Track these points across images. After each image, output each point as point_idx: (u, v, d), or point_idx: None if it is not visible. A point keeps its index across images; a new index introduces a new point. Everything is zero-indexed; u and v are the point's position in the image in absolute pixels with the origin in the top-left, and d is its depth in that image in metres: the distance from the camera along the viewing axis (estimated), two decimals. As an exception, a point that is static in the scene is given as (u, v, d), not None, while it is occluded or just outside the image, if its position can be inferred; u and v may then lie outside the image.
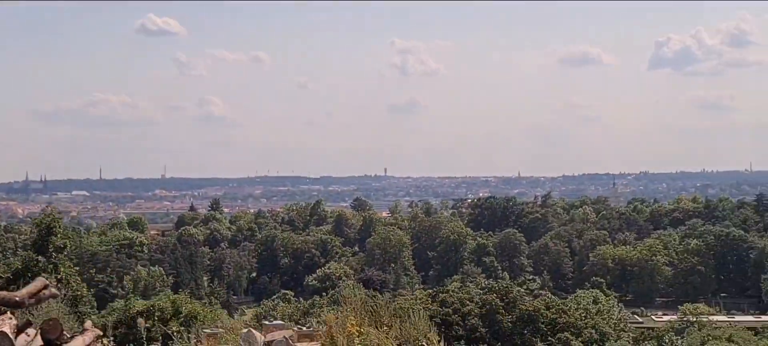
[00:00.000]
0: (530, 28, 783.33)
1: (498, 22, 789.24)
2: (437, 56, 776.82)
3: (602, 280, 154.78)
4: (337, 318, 13.07)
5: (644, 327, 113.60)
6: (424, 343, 13.32)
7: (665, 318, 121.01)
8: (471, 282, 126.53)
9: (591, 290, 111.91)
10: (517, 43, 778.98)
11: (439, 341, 13.07)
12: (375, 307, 14.39)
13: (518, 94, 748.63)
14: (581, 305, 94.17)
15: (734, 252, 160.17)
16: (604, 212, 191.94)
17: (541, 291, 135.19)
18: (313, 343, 13.31)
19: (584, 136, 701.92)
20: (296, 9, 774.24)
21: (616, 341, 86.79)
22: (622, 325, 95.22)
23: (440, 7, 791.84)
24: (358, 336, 12.53)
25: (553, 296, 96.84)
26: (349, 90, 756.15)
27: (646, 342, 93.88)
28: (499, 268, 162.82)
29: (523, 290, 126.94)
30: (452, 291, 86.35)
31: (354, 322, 12.58)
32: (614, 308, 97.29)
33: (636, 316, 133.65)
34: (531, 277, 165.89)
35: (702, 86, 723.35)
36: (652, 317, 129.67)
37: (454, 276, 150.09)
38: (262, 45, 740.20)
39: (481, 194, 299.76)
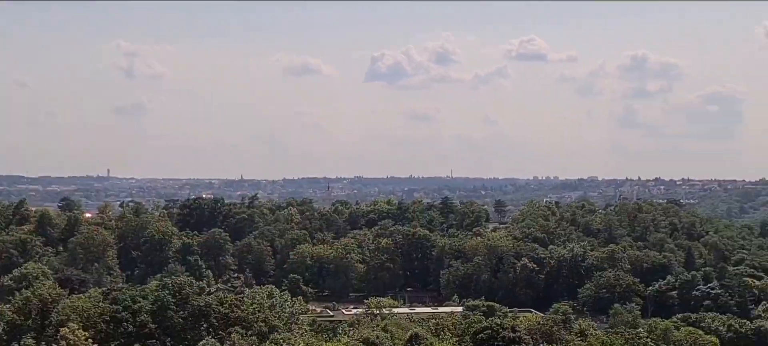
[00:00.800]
0: (256, 37, 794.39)
1: (224, 28, 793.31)
2: (164, 60, 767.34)
3: (300, 277, 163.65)
4: None
5: (329, 320, 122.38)
6: None
7: (354, 311, 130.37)
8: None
9: (267, 286, 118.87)
10: (244, 50, 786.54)
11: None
12: None
13: (244, 99, 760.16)
14: (256, 300, 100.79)
15: (420, 250, 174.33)
16: (308, 213, 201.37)
17: (243, 288, 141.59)
18: None
19: (306, 142, 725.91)
20: (16, 7, 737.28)
21: (283, 334, 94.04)
22: (293, 318, 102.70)
23: (167, 10, 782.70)
24: None
25: (229, 293, 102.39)
26: (72, 90, 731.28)
27: (322, 333, 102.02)
28: (204, 266, 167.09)
29: (225, 286, 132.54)
30: (124, 289, 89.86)
31: None
32: (287, 302, 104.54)
33: (328, 310, 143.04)
34: (235, 275, 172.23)
35: (412, 99, 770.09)
36: (343, 310, 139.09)
37: (157, 275, 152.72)
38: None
39: (204, 196, 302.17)
